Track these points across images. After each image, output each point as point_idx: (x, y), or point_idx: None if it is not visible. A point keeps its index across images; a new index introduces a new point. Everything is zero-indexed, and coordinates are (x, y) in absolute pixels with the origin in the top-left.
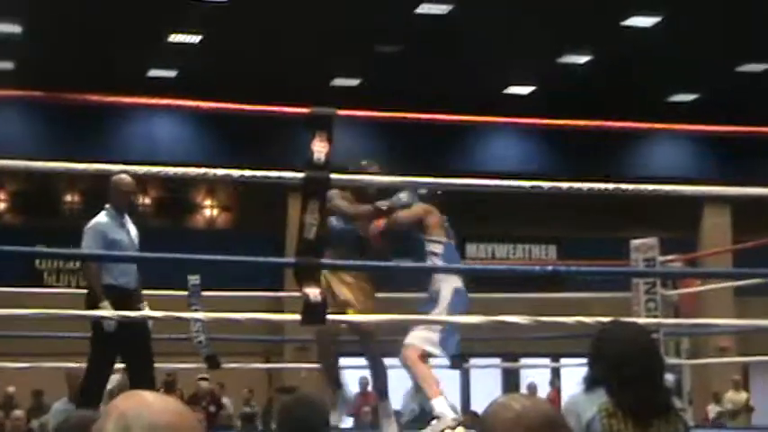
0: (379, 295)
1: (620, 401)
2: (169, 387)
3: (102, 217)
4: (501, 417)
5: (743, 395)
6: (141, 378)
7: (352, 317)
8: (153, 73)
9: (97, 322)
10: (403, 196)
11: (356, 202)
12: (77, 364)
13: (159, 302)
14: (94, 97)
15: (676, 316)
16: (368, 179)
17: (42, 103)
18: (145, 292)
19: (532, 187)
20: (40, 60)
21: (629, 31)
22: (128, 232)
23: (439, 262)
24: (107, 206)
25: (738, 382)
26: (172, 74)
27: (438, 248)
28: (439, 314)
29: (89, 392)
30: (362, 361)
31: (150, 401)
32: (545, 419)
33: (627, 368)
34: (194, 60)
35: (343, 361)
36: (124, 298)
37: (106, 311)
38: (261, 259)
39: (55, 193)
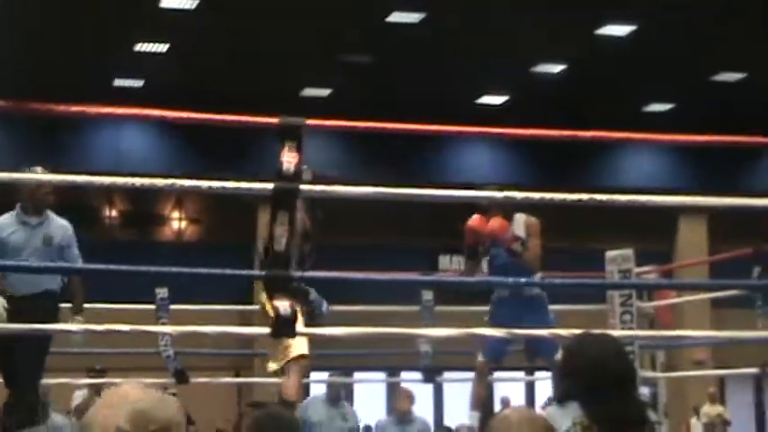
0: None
1: (594, 414)
2: None
3: (3, 216)
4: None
5: (718, 408)
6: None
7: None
8: (119, 83)
9: None
10: None
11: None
12: None
13: (126, 316)
14: (59, 107)
15: (652, 328)
16: (339, 190)
17: (5, 113)
18: (111, 306)
19: (505, 197)
20: (2, 70)
21: (604, 40)
22: (29, 232)
23: None
24: (17, 204)
25: (714, 395)
26: (138, 83)
27: None
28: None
29: None
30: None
31: (154, 396)
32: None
33: (599, 381)
34: (161, 70)
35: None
36: (12, 303)
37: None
38: (230, 272)
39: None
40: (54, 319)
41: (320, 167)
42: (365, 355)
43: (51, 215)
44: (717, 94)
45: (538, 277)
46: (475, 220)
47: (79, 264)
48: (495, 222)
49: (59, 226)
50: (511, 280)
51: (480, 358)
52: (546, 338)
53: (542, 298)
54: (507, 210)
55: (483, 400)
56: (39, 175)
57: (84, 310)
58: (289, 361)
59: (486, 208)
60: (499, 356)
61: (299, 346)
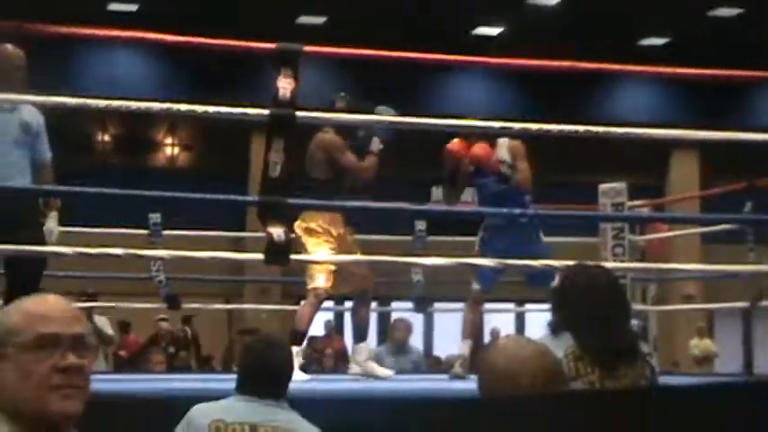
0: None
1: (586, 345)
2: (124, 328)
3: None
4: (503, 361)
5: (707, 342)
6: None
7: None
8: (113, 6)
9: None
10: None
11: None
12: None
13: (119, 240)
14: (50, 28)
15: (643, 262)
16: (335, 117)
17: None
18: (103, 230)
19: (502, 128)
20: None
21: None
22: (5, 117)
23: None
24: None
25: (703, 329)
26: (133, 8)
27: None
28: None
29: None
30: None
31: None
32: (549, 367)
33: (591, 311)
34: None
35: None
36: None
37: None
38: (223, 197)
39: None
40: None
41: (314, 97)
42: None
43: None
44: (713, 28)
45: (528, 201)
46: (455, 144)
47: (48, 155)
48: (479, 148)
49: (31, 110)
50: (505, 210)
51: (475, 286)
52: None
53: (536, 225)
54: (489, 135)
55: (476, 330)
56: (12, 50)
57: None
58: (309, 290)
59: (466, 134)
60: (493, 285)
61: (318, 277)
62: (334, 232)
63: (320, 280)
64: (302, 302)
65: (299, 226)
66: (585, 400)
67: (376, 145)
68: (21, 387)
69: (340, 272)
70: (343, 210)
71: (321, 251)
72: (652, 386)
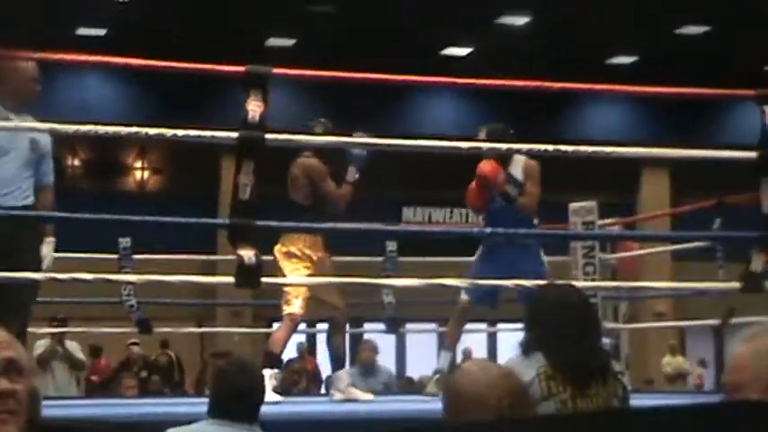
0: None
1: (558, 364)
2: (94, 353)
3: None
4: (469, 384)
5: (679, 359)
6: None
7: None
8: (82, 31)
9: None
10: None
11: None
12: None
13: (89, 265)
14: (21, 54)
15: (614, 280)
16: (305, 139)
17: None
18: (74, 255)
19: (470, 149)
20: None
21: None
22: (13, 132)
23: None
24: None
25: (675, 347)
26: (101, 32)
27: None
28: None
29: None
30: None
31: None
32: (515, 389)
33: (562, 330)
34: (124, 18)
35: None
36: None
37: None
38: (193, 220)
39: None
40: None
41: (285, 119)
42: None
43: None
44: (681, 46)
45: (535, 223)
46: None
47: (51, 179)
48: (485, 164)
49: (40, 129)
50: (476, 230)
51: (463, 297)
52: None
53: (536, 245)
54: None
55: (457, 342)
56: (27, 62)
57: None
58: (285, 314)
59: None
60: (485, 300)
61: (294, 302)
62: (314, 257)
63: (296, 305)
64: (276, 326)
65: (278, 250)
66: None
67: (352, 175)
68: None
69: (314, 297)
70: (314, 231)
71: (296, 276)
72: (621, 409)
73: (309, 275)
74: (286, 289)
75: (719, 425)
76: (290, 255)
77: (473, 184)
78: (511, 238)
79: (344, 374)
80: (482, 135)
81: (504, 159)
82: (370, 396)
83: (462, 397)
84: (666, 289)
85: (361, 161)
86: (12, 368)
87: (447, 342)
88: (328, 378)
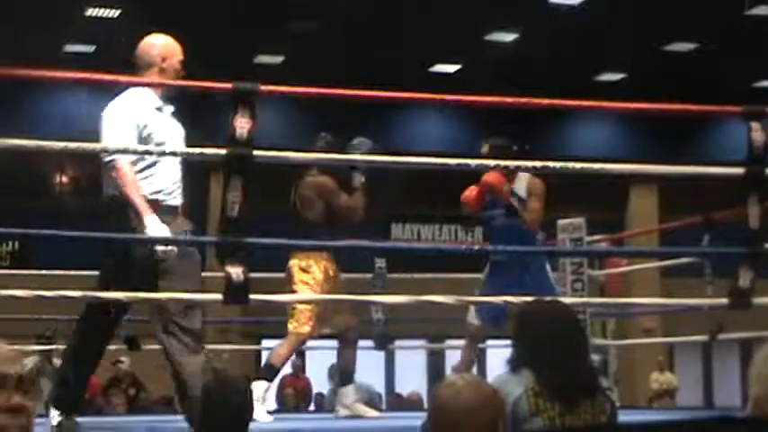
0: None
1: (546, 381)
2: None
3: (131, 96)
4: (459, 400)
5: (668, 375)
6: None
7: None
8: (70, 48)
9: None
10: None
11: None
12: None
13: (77, 283)
14: (8, 71)
15: (603, 296)
16: (293, 156)
17: None
18: (62, 272)
19: (458, 165)
20: None
21: (557, 8)
22: (168, 124)
23: None
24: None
25: (663, 363)
26: (90, 49)
27: None
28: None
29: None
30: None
31: None
32: (484, 400)
33: (550, 346)
34: (112, 35)
35: None
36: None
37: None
38: (182, 238)
39: None
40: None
41: (273, 136)
42: None
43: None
44: (668, 64)
45: (540, 240)
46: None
47: None
48: (490, 175)
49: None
50: (463, 247)
51: (474, 322)
52: None
53: (542, 262)
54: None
55: (470, 367)
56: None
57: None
58: (291, 330)
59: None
60: (497, 322)
61: (301, 319)
62: (331, 271)
63: (306, 324)
64: (266, 342)
65: (294, 264)
66: None
67: (358, 180)
68: None
69: (323, 312)
70: (306, 248)
71: (304, 291)
72: (610, 425)
73: (322, 290)
74: (299, 307)
75: None
76: (305, 269)
77: (470, 189)
78: (507, 255)
79: (351, 390)
80: (485, 149)
81: (508, 173)
82: (375, 413)
83: (451, 412)
84: (655, 305)
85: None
86: (23, 384)
87: (458, 369)
88: (318, 395)
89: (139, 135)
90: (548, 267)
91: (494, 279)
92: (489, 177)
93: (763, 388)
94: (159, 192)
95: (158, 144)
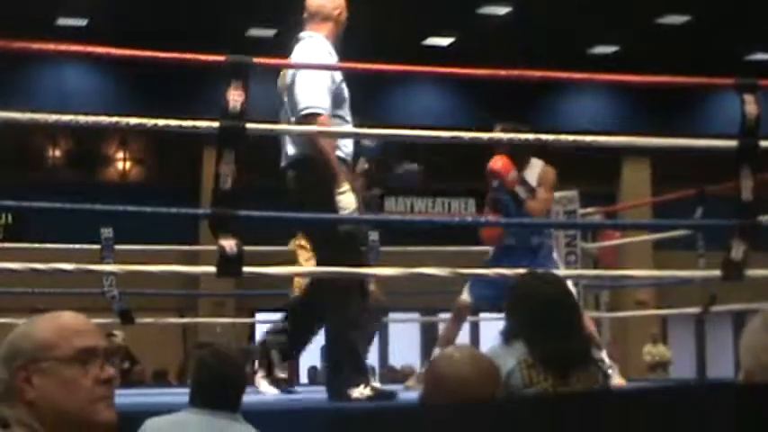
0: None
1: (538, 353)
2: None
3: (320, 44)
4: (455, 371)
5: (661, 348)
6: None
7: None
8: (62, 22)
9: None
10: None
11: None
12: None
13: (71, 256)
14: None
15: (596, 269)
16: (285, 129)
17: None
18: (56, 246)
19: (452, 138)
20: None
21: None
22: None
23: None
24: (310, 33)
25: (657, 336)
26: (82, 22)
27: None
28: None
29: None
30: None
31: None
32: (480, 372)
33: (542, 318)
34: (105, 8)
35: None
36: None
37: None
38: (175, 210)
39: None
40: None
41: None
42: None
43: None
44: (662, 36)
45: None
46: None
47: None
48: (495, 161)
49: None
50: (456, 219)
51: (464, 297)
52: None
53: (549, 247)
54: (518, 152)
55: (451, 342)
56: None
57: None
58: None
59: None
60: (492, 301)
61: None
62: None
63: None
64: (259, 316)
65: (294, 244)
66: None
67: (361, 166)
68: (65, 400)
69: None
70: (297, 222)
71: (311, 265)
72: (604, 390)
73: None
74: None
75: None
76: (303, 246)
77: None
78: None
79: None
80: (497, 132)
81: (519, 159)
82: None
83: (448, 383)
84: (648, 278)
85: (372, 153)
86: (109, 355)
87: (441, 342)
88: (312, 369)
89: (335, 89)
90: (555, 255)
91: (500, 262)
92: (496, 165)
93: (753, 358)
94: (347, 155)
95: (345, 99)
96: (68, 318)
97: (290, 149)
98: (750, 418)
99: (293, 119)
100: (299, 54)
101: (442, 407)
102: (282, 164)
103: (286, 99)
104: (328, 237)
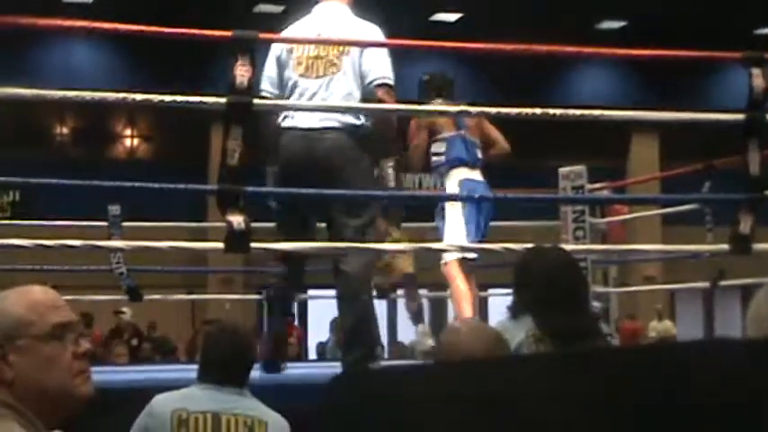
0: None
1: (546, 326)
2: (86, 322)
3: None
4: (447, 343)
5: (666, 323)
6: None
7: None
8: None
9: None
10: None
11: None
12: None
13: (78, 233)
14: (6, 20)
15: (604, 244)
16: (292, 104)
17: None
18: (63, 223)
19: (460, 112)
20: None
21: None
22: None
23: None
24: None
25: (661, 311)
26: (88, 0)
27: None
28: (452, 218)
29: None
30: None
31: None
32: (487, 346)
33: (550, 292)
34: None
35: None
36: None
37: None
38: (183, 187)
39: None
40: None
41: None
42: (316, 272)
43: None
44: (669, 11)
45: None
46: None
47: None
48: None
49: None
50: (465, 194)
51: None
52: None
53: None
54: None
55: (474, 302)
56: None
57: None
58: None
59: None
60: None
61: (405, 264)
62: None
63: (409, 265)
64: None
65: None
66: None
67: None
68: (45, 377)
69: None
70: (301, 196)
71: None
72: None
73: None
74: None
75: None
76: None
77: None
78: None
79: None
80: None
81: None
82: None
83: (457, 356)
84: (656, 252)
85: None
86: (83, 329)
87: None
88: (320, 344)
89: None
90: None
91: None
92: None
93: (759, 331)
94: None
95: None
96: (39, 293)
97: (340, 114)
98: (763, 373)
99: (354, 84)
100: (365, 30)
101: (454, 364)
102: (317, 125)
103: (345, 63)
104: (370, 207)
